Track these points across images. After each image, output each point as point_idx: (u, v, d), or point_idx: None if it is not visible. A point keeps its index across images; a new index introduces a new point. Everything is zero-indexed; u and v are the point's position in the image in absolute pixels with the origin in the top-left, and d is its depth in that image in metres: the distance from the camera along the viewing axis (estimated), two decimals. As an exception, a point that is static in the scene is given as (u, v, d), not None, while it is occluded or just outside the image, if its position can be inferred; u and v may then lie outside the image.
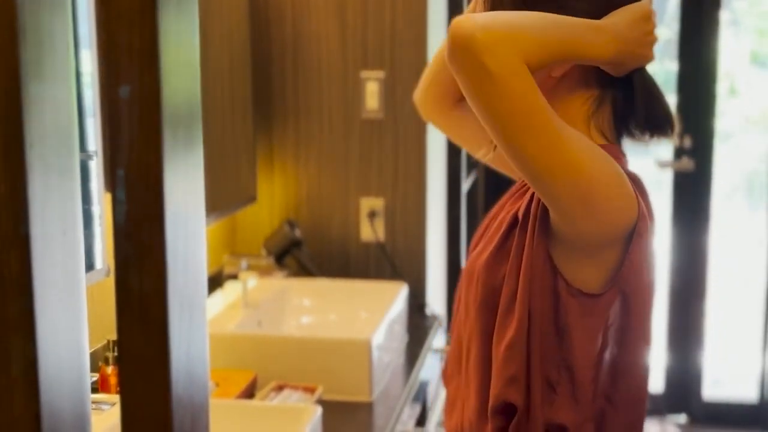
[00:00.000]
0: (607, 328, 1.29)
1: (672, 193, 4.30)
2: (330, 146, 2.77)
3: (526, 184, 1.41)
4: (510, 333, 1.30)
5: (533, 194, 1.33)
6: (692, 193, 4.26)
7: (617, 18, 1.28)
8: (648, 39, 1.29)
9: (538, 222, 1.29)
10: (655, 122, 1.35)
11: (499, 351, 1.31)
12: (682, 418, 4.39)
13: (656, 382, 4.41)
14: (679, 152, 4.25)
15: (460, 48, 1.16)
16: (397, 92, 2.70)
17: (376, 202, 2.76)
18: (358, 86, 2.73)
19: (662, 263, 4.34)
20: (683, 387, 4.38)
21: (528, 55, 1.17)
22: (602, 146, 1.28)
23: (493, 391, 1.32)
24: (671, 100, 4.23)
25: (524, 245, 1.31)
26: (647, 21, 1.29)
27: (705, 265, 4.31)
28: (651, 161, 4.39)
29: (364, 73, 2.72)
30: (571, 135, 1.20)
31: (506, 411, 1.32)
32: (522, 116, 1.16)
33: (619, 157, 1.34)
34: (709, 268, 4.32)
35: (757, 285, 4.34)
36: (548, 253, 1.29)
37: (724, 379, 4.55)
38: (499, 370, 1.31)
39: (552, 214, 1.25)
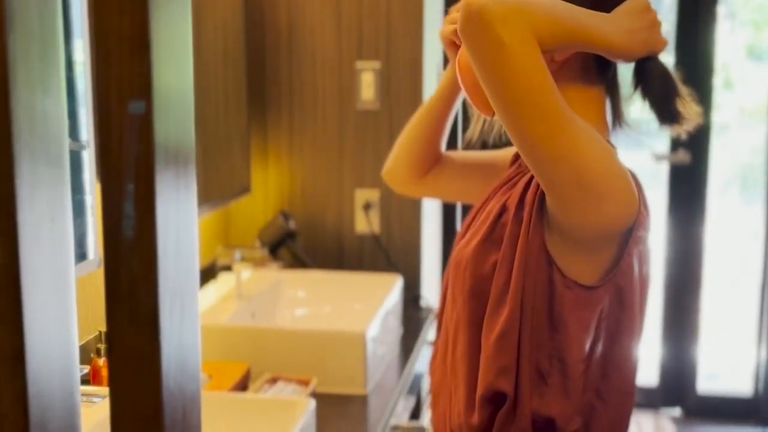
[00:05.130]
0: (599, 321, 1.29)
1: (668, 185, 4.30)
2: (325, 137, 2.76)
3: (516, 176, 1.41)
4: (502, 323, 1.29)
5: (526, 185, 1.33)
6: (688, 185, 4.26)
7: (619, 11, 1.29)
8: (653, 28, 1.30)
9: (534, 212, 1.28)
10: (663, 113, 1.35)
11: (489, 341, 1.31)
12: (676, 411, 4.39)
13: (651, 376, 4.41)
14: (675, 145, 4.25)
15: (474, 17, 1.16)
16: (392, 83, 2.69)
17: (372, 194, 2.75)
18: (354, 77, 2.72)
19: (657, 256, 4.34)
20: (678, 380, 4.38)
21: (539, 31, 1.17)
22: None
23: (483, 380, 1.31)
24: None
25: (517, 235, 1.30)
26: (647, 11, 1.30)
27: (700, 258, 4.31)
28: (647, 154, 4.39)
29: (360, 64, 2.71)
30: (579, 123, 1.20)
31: (495, 400, 1.31)
32: (531, 92, 1.16)
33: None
34: (705, 261, 4.32)
35: (752, 278, 4.34)
36: (544, 243, 1.28)
37: (719, 373, 4.56)
38: (490, 360, 1.31)
39: (550, 203, 1.25)
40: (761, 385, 4.31)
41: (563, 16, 1.21)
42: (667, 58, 4.28)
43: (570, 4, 1.25)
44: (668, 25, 4.27)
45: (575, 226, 1.25)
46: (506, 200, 1.36)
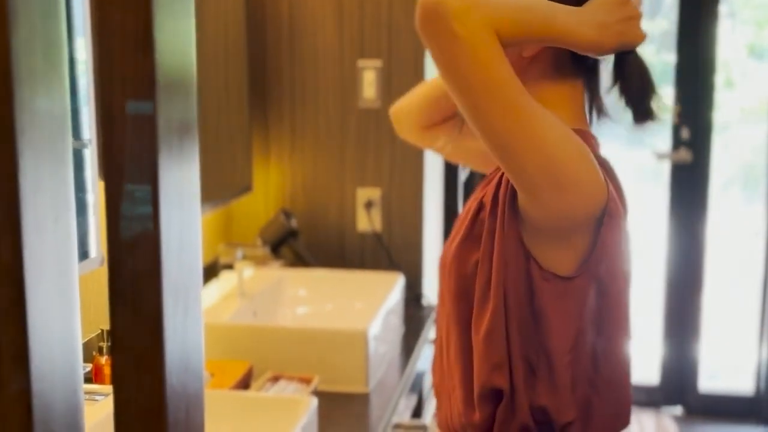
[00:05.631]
0: (583, 312, 1.29)
1: (669, 184, 4.30)
2: (326, 135, 2.76)
3: (495, 171, 1.41)
4: (487, 320, 1.30)
5: (500, 181, 1.33)
6: (689, 184, 4.26)
7: (592, 4, 1.28)
8: (629, 21, 1.28)
9: (507, 207, 1.29)
10: (638, 111, 1.35)
11: (479, 339, 1.32)
12: (678, 410, 4.39)
13: (652, 374, 4.41)
14: (676, 143, 4.24)
15: (430, 12, 1.17)
16: (394, 81, 2.69)
17: (373, 192, 2.75)
18: (355, 75, 2.72)
19: (659, 254, 4.34)
20: (679, 379, 4.38)
21: (499, 26, 1.17)
22: (573, 130, 1.28)
23: (478, 378, 1.32)
24: (669, 91, 4.23)
25: (495, 231, 1.30)
26: (623, 4, 1.28)
27: (702, 256, 4.31)
28: (649, 152, 4.39)
29: (361, 62, 2.71)
30: (540, 112, 1.20)
31: (493, 397, 1.32)
32: (488, 85, 1.17)
33: (590, 141, 1.34)
34: (706, 260, 4.32)
35: (753, 277, 4.34)
36: (520, 237, 1.29)
37: (720, 372, 4.56)
38: (482, 358, 1.31)
39: (520, 194, 1.25)
40: (763, 383, 4.30)
41: (524, 11, 1.21)
42: (668, 57, 4.28)
43: None
44: (670, 24, 4.26)
45: (546, 217, 1.25)
46: (483, 197, 1.36)
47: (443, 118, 1.67)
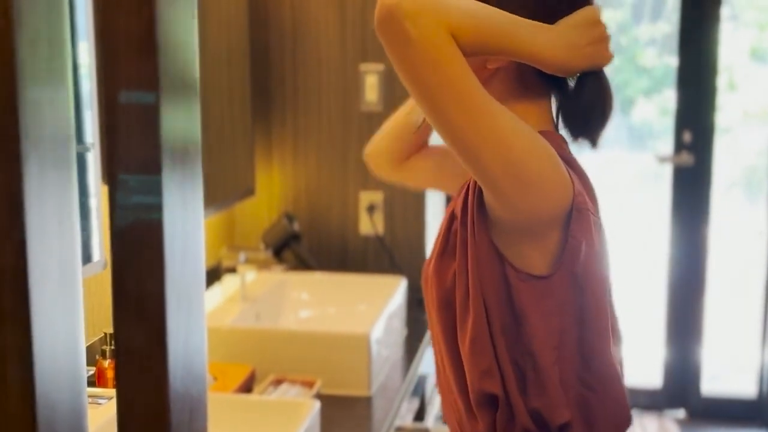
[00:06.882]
0: (564, 310, 1.29)
1: (672, 187, 4.30)
2: (329, 139, 2.76)
3: (464, 185, 1.40)
4: (470, 328, 1.30)
5: (467, 190, 1.33)
6: (692, 187, 4.26)
7: (564, 24, 1.28)
8: (598, 44, 1.30)
9: (476, 212, 1.29)
10: (586, 130, 1.35)
11: (465, 348, 1.32)
12: (680, 413, 4.39)
13: (655, 377, 4.41)
14: (678, 147, 4.24)
15: (385, 14, 1.18)
16: (396, 85, 2.69)
17: (375, 196, 2.75)
18: (358, 79, 2.72)
19: (661, 257, 4.34)
20: (682, 382, 4.38)
21: (455, 31, 1.17)
22: (540, 132, 1.28)
23: (472, 387, 1.32)
24: (671, 95, 4.23)
25: (467, 240, 1.31)
26: (595, 25, 1.30)
27: (704, 259, 4.31)
28: (651, 156, 4.38)
29: (364, 66, 2.71)
30: (499, 110, 1.20)
31: (489, 403, 1.32)
32: (445, 86, 1.17)
33: (556, 140, 1.34)
34: (708, 263, 4.31)
35: (755, 280, 4.34)
36: (491, 242, 1.29)
37: (723, 374, 4.55)
38: (471, 366, 1.31)
39: (486, 195, 1.25)
40: (765, 386, 4.30)
41: (485, 22, 1.21)
42: (670, 60, 4.28)
43: (501, 12, 1.24)
44: (671, 27, 4.27)
45: (514, 216, 1.26)
46: (453, 208, 1.37)
47: (418, 149, 1.69)
